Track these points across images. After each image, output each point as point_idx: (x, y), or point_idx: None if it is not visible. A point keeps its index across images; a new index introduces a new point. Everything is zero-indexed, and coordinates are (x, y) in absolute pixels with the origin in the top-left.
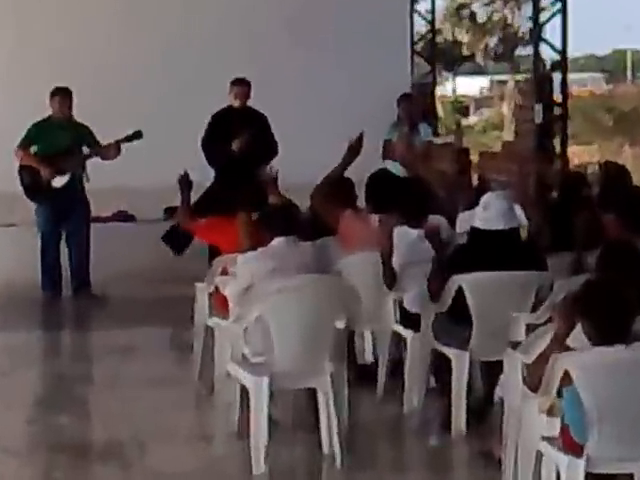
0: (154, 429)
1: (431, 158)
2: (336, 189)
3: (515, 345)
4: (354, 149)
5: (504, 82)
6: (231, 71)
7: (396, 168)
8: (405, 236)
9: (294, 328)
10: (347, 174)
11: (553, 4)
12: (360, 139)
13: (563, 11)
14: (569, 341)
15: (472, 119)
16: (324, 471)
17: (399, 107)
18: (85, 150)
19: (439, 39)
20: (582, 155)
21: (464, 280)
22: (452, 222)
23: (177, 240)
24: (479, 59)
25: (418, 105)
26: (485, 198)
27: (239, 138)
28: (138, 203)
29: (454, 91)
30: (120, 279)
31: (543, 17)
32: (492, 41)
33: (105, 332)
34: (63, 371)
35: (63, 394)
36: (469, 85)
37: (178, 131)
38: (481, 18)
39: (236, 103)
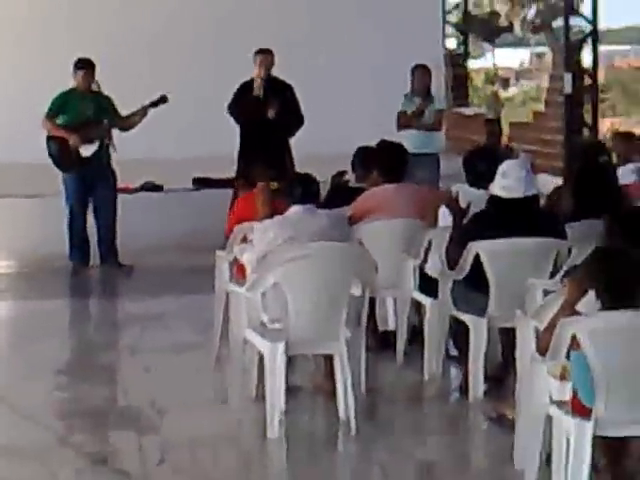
0: (173, 395)
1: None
2: None
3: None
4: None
5: (543, 54)
6: (258, 38)
7: (410, 140)
8: None
9: (308, 295)
10: (362, 143)
11: None
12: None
13: None
14: (579, 307)
15: (512, 91)
16: (339, 437)
17: (413, 77)
18: (106, 121)
19: (476, 10)
20: (620, 126)
21: (481, 247)
22: None
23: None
24: (518, 30)
25: (431, 75)
26: (503, 166)
27: (272, 107)
28: (166, 173)
29: (494, 63)
30: (147, 249)
31: None
32: (530, 12)
33: (130, 300)
34: (87, 339)
35: (87, 361)
36: (510, 57)
37: (205, 101)
38: None
39: (261, 72)
